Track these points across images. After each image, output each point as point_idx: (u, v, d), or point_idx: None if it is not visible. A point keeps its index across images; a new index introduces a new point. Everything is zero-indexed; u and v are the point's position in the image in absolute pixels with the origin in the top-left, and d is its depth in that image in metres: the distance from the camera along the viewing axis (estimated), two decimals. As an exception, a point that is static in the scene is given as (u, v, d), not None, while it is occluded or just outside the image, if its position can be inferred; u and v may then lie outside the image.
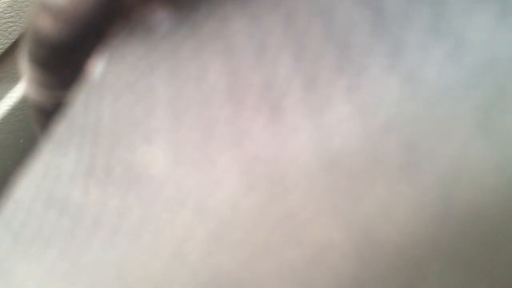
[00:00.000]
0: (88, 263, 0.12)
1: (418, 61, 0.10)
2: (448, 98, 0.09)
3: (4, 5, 0.31)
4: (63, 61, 0.15)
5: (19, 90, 0.32)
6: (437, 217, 0.09)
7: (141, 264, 0.11)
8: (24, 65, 0.16)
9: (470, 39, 0.10)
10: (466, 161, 0.09)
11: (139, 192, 0.12)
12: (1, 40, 0.31)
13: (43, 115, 0.17)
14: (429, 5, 0.10)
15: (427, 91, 0.10)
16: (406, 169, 0.09)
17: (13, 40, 0.31)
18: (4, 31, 0.31)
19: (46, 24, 0.14)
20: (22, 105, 0.32)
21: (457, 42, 0.10)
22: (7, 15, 0.31)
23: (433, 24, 0.10)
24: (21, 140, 0.32)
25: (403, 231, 0.09)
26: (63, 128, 0.14)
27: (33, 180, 0.14)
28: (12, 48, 0.31)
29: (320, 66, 0.11)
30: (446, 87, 0.10)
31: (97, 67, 0.14)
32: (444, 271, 0.09)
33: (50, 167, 0.14)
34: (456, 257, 0.09)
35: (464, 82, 0.09)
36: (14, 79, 0.32)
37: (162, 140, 0.12)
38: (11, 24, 0.31)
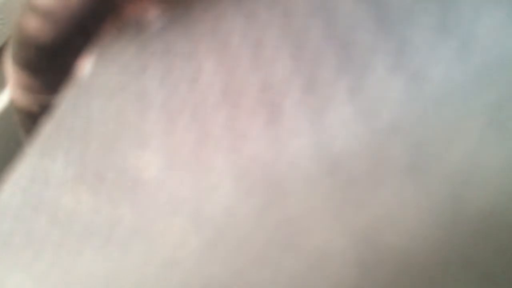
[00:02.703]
0: (80, 272, 0.11)
1: (424, 60, 0.10)
2: (456, 97, 0.09)
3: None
4: (50, 63, 0.15)
5: (6, 94, 0.32)
6: (445, 222, 0.09)
7: (133, 272, 0.11)
8: (10, 69, 0.16)
9: (479, 37, 0.09)
10: (476, 163, 0.09)
11: (132, 198, 0.11)
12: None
13: (29, 120, 0.17)
14: (436, 2, 0.10)
15: (434, 91, 0.09)
16: (412, 172, 0.09)
17: (1, 44, 0.31)
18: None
19: (33, 25, 0.14)
20: (10, 109, 0.32)
21: (466, 40, 0.10)
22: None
23: (440, 22, 0.10)
24: (10, 144, 0.32)
25: (408, 237, 0.09)
26: (51, 131, 0.14)
27: (19, 184, 0.14)
28: (0, 51, 0.31)
29: (320, 66, 0.10)
30: (455, 86, 0.09)
31: (86, 68, 0.14)
32: (454, 280, 0.09)
33: (38, 171, 0.14)
34: (468, 265, 0.09)
35: (473, 81, 0.09)
36: (1, 83, 0.32)
37: (155, 144, 0.12)
38: (0, 27, 0.31)
